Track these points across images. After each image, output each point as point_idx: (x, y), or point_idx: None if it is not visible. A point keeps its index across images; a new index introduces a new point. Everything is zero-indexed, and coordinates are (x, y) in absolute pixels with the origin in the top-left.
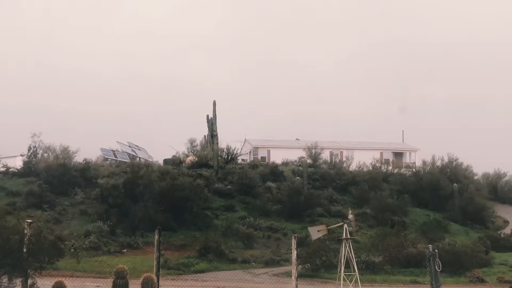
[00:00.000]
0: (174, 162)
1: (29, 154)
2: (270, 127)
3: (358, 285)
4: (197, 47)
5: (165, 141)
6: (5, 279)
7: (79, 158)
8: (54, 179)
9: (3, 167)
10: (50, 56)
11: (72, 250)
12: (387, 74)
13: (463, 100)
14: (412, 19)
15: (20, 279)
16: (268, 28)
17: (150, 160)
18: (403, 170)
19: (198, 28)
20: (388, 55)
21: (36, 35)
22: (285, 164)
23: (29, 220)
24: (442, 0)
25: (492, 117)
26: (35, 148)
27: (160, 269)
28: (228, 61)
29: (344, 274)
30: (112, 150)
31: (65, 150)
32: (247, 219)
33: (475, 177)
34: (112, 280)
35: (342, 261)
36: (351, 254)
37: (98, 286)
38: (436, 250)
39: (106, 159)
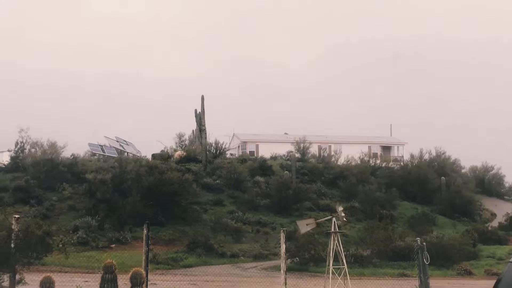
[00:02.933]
0: (163, 157)
1: (16, 149)
2: (258, 122)
3: (347, 279)
4: (179, 43)
5: (153, 136)
6: None
7: (67, 153)
8: (41, 174)
9: None
10: (23, 56)
11: (60, 245)
12: (372, 70)
13: (451, 96)
14: (405, 17)
15: (8, 275)
16: (252, 26)
17: (138, 155)
18: (391, 164)
19: (175, 25)
20: (371, 51)
21: (4, 34)
22: (274, 158)
23: (16, 216)
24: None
25: (480, 112)
26: (22, 144)
27: (149, 263)
28: (216, 56)
29: (333, 268)
30: (100, 145)
31: (52, 145)
32: (236, 214)
33: (463, 171)
34: (101, 275)
35: (331, 255)
36: (340, 248)
37: (87, 281)
38: (424, 243)
39: (94, 154)
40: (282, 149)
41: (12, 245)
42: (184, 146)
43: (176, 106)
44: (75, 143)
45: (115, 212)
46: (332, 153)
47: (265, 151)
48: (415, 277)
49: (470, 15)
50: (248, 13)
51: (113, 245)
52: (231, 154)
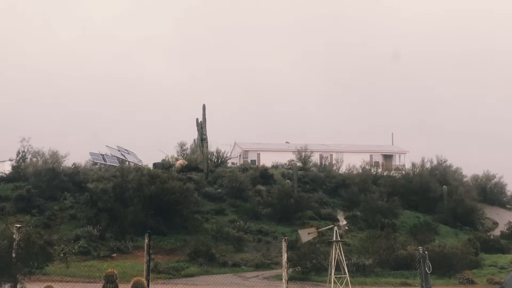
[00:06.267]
0: (164, 166)
1: (17, 159)
2: (260, 131)
3: None
4: (181, 50)
5: (155, 145)
6: None
7: (68, 163)
8: (43, 184)
9: None
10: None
11: (62, 255)
12: (371, 72)
13: (453, 101)
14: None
15: (9, 284)
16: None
17: (139, 164)
18: (392, 173)
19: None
20: (372, 52)
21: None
22: (275, 167)
23: (18, 225)
24: None
25: (482, 120)
26: (23, 153)
27: (150, 273)
28: (217, 65)
29: (335, 277)
30: (101, 154)
31: (54, 154)
32: (237, 223)
33: (465, 179)
34: (102, 284)
35: (333, 264)
36: (342, 257)
37: None
38: (426, 252)
39: (95, 164)
40: (284, 158)
41: (13, 255)
42: (185, 155)
43: (178, 115)
44: (76, 152)
45: (117, 222)
46: (334, 162)
47: (267, 160)
48: (417, 286)
49: (471, 18)
50: (247, 19)
51: (114, 255)
52: (233, 163)
